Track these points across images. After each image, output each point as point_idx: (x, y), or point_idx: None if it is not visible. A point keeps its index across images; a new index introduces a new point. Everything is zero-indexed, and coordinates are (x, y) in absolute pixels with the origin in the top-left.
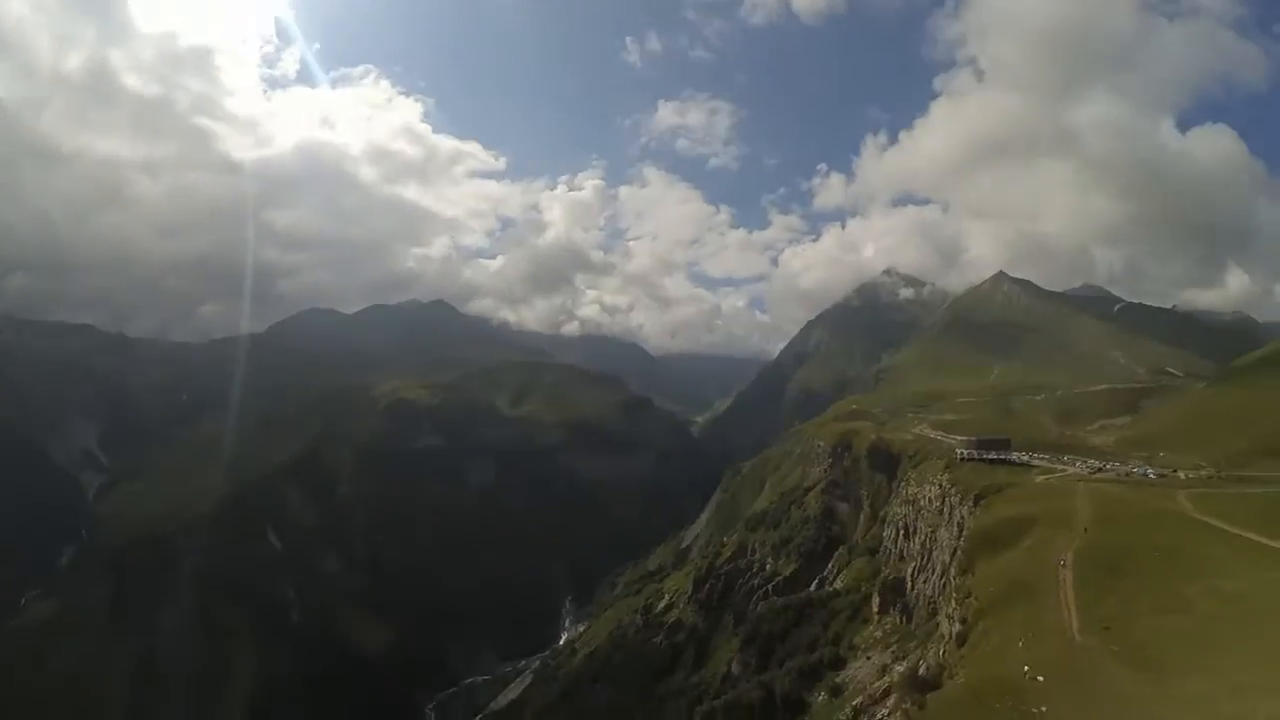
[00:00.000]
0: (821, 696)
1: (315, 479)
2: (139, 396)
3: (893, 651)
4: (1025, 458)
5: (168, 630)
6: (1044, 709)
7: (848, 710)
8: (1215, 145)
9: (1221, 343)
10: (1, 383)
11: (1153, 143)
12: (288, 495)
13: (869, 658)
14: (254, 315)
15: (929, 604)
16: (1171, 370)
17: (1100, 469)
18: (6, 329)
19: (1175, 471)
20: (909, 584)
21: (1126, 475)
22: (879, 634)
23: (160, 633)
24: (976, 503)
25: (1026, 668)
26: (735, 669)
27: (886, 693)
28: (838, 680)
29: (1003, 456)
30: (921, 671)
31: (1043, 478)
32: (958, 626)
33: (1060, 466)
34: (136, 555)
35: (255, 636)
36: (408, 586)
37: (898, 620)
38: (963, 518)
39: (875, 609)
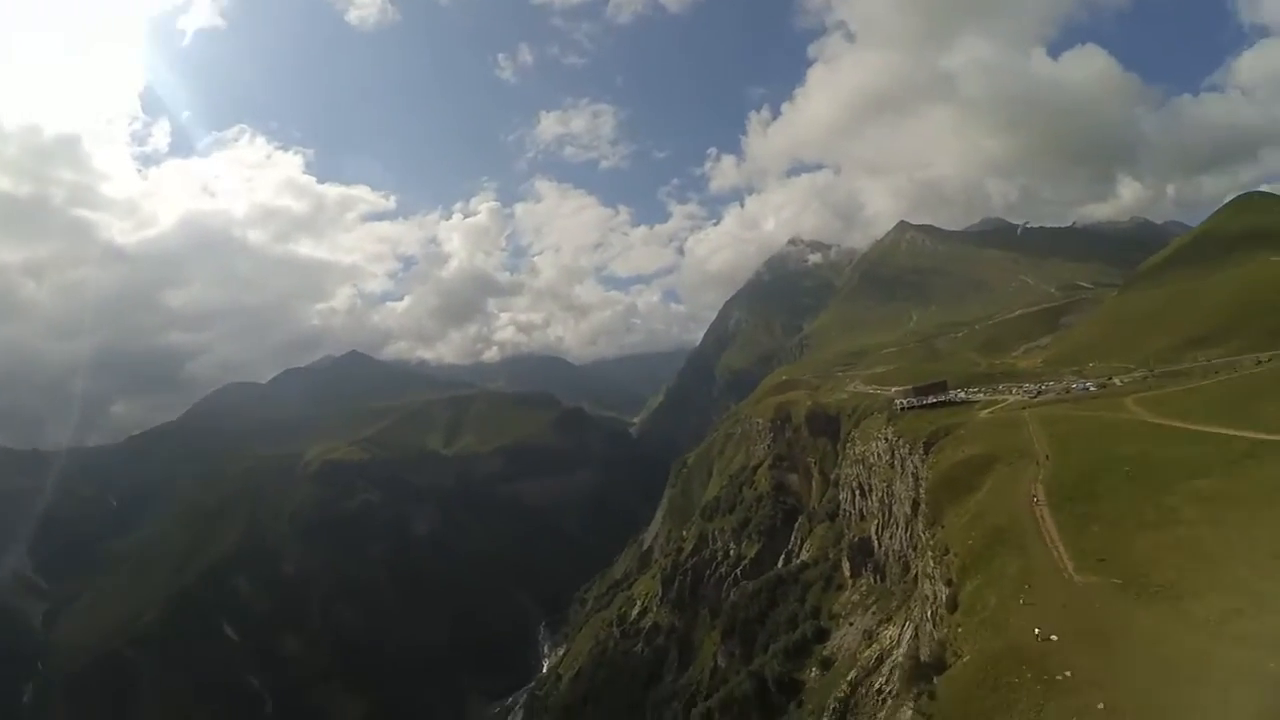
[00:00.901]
0: (813, 673)
1: (259, 561)
2: (65, 512)
3: (873, 613)
4: (964, 395)
5: None
6: (1068, 674)
7: (843, 686)
8: (1088, 66)
9: (1124, 250)
10: None
11: (1027, 74)
12: (235, 584)
13: (851, 623)
14: (168, 403)
15: (900, 559)
16: (1082, 284)
17: (1039, 392)
18: None
19: (1111, 379)
20: (875, 543)
21: (1067, 393)
22: (855, 598)
23: None
24: (927, 450)
25: (1037, 630)
26: (721, 662)
27: (879, 660)
28: (825, 653)
29: (942, 399)
30: (924, 656)
31: (986, 412)
32: (944, 589)
33: (1000, 397)
34: (96, 679)
35: None
36: (374, 651)
37: (872, 580)
38: (916, 467)
39: (847, 574)
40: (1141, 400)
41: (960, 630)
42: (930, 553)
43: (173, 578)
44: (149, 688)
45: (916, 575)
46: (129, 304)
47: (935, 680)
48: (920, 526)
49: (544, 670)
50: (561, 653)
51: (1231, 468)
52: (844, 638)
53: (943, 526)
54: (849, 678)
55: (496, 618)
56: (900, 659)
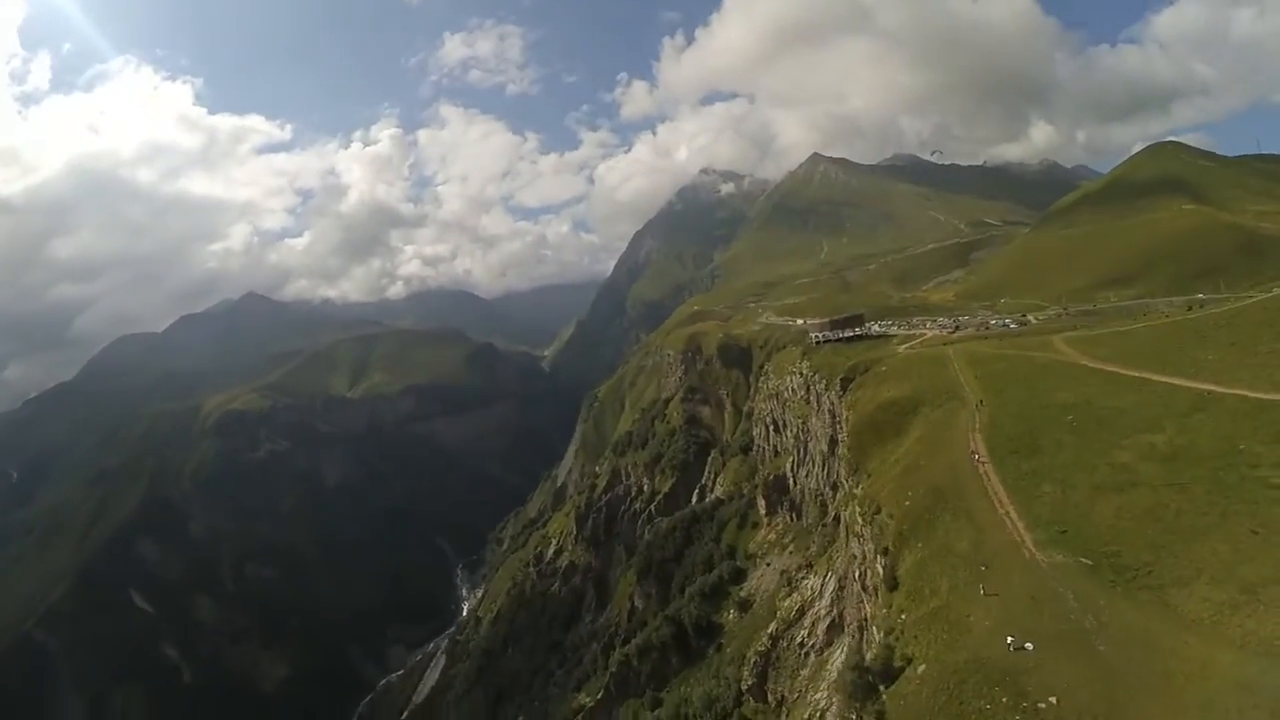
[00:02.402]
0: (731, 615)
1: (165, 524)
2: None
3: (790, 552)
4: (879, 329)
5: None
6: (1053, 700)
7: (764, 639)
8: (1008, 6)
9: (1033, 191)
10: None
11: (946, 10)
12: (142, 550)
13: (768, 564)
14: (63, 361)
15: (816, 498)
16: (990, 221)
17: (956, 327)
18: None
19: (1025, 316)
20: (791, 480)
21: (986, 328)
22: (772, 537)
23: None
24: (844, 387)
25: (1009, 639)
26: (638, 603)
27: (800, 613)
28: (743, 595)
29: (858, 333)
30: (866, 659)
31: (904, 347)
32: (878, 559)
33: (917, 331)
34: (7, 667)
35: (153, 713)
36: (293, 610)
37: (788, 519)
38: (833, 404)
39: (763, 512)
40: (1071, 341)
41: (906, 621)
42: (858, 507)
43: (77, 550)
44: (64, 669)
45: (838, 518)
46: (14, 259)
47: (883, 693)
48: (842, 472)
49: (464, 614)
50: (480, 594)
51: (1183, 421)
52: (761, 579)
53: (869, 475)
54: (769, 630)
55: (414, 564)
56: (822, 613)
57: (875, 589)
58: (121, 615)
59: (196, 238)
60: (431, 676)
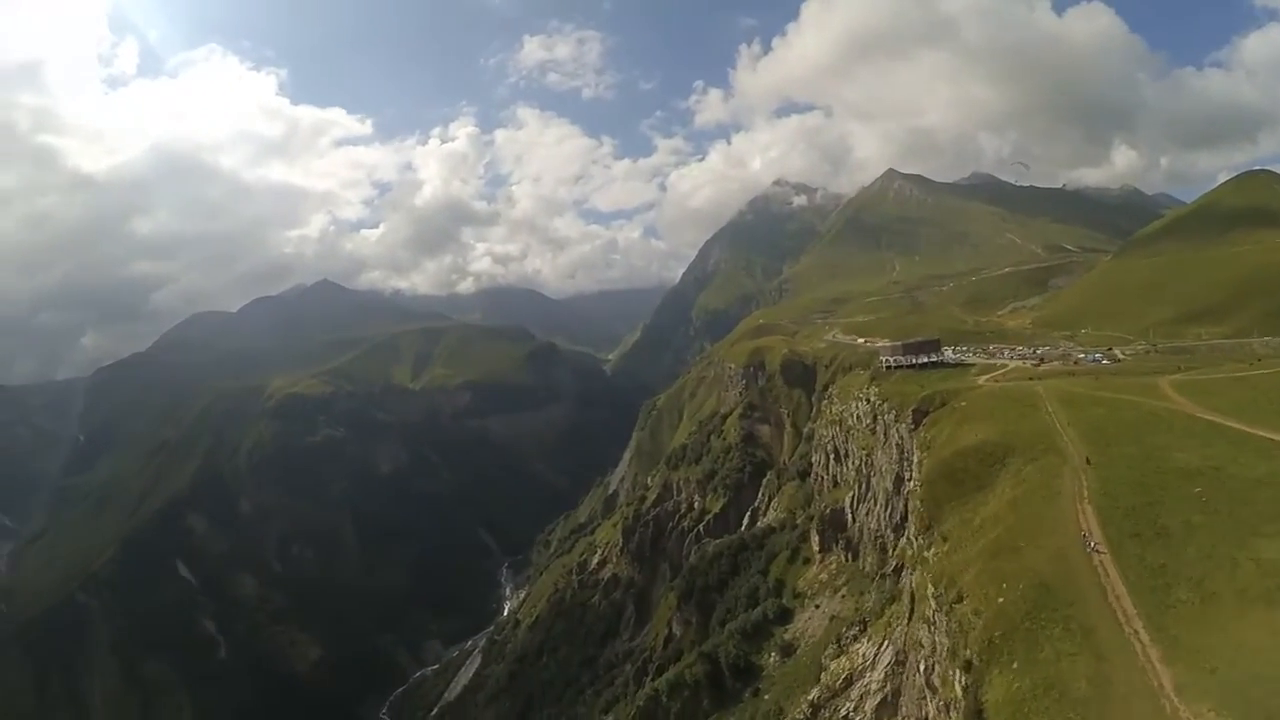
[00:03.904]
0: (772, 658)
1: (216, 499)
2: (30, 448)
3: (843, 596)
4: (956, 356)
5: (96, 704)
6: None
7: (804, 706)
8: (1093, 24)
9: (1113, 217)
10: None
11: (1029, 25)
12: (190, 523)
13: (817, 605)
14: (137, 334)
15: (876, 540)
16: (1067, 246)
17: (1041, 359)
18: None
19: (1113, 350)
20: (849, 516)
21: (1075, 363)
22: (824, 576)
23: (89, 708)
24: (917, 421)
25: None
26: (676, 630)
27: (848, 682)
28: (787, 637)
29: (933, 359)
30: None
31: (985, 378)
32: (957, 674)
33: (997, 361)
34: (49, 626)
35: (186, 683)
36: (333, 592)
37: (842, 558)
38: (902, 438)
39: (816, 547)
40: (1181, 387)
41: None
42: (930, 581)
43: (128, 518)
44: (102, 633)
45: (899, 571)
46: (96, 234)
47: None
48: (912, 528)
49: (505, 614)
50: (523, 596)
51: None
52: (809, 622)
53: (944, 539)
54: (810, 696)
55: (459, 559)
56: (873, 687)
57: (946, 702)
58: (165, 586)
59: (274, 223)
60: (466, 674)
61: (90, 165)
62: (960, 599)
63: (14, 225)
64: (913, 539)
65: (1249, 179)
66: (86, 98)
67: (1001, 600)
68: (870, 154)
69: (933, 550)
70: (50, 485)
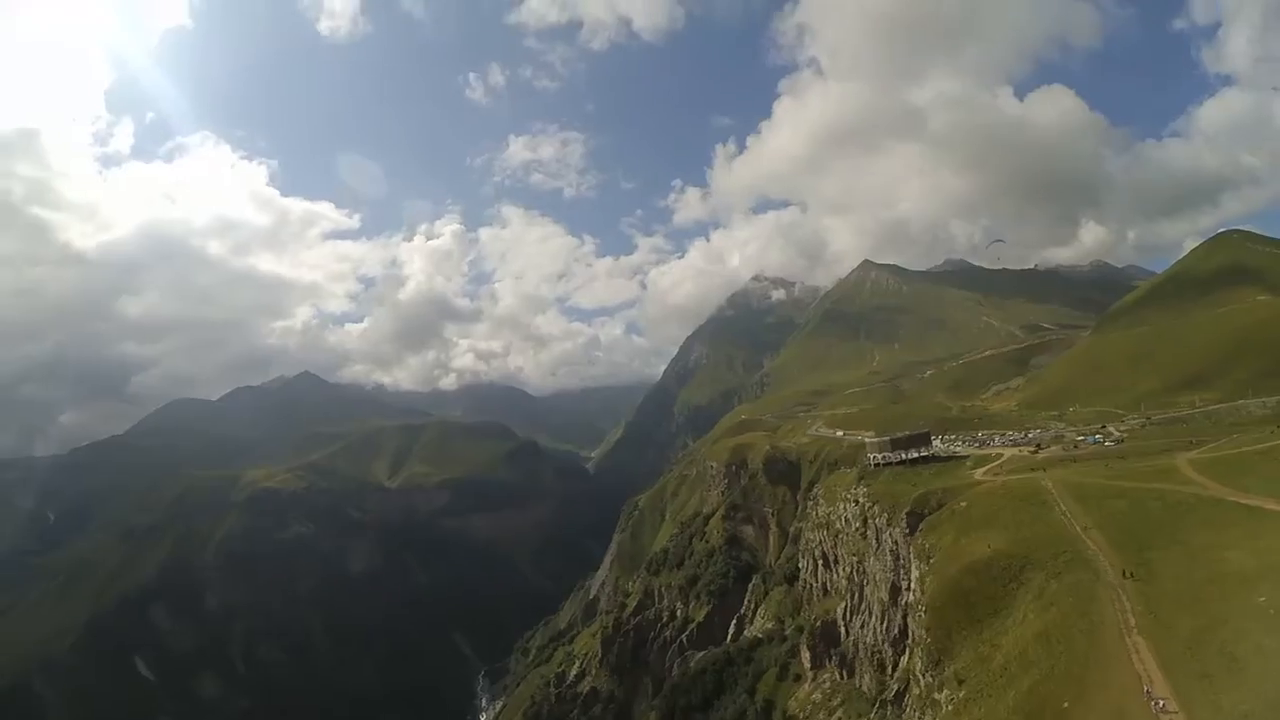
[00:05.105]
0: None
1: (182, 592)
2: (3, 523)
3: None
4: (946, 448)
5: None
6: None
7: None
8: (1055, 106)
9: (1085, 292)
10: None
11: (994, 110)
12: (153, 616)
13: None
14: (117, 414)
15: (873, 656)
16: (1044, 325)
17: (1037, 445)
18: None
19: (1107, 427)
20: (842, 629)
21: (1076, 447)
22: (817, 696)
23: None
24: (912, 525)
25: None
26: None
27: None
28: None
29: (925, 454)
30: None
31: (982, 472)
32: None
33: (992, 451)
34: (3, 714)
35: None
36: (299, 698)
37: (836, 675)
38: (896, 543)
39: (807, 663)
40: (1200, 466)
41: None
42: None
43: (90, 603)
44: None
45: (901, 697)
46: (84, 311)
47: None
48: (920, 661)
49: None
50: (499, 707)
51: None
52: None
53: (960, 681)
54: None
55: (433, 664)
56: None
57: None
58: (120, 680)
59: (260, 312)
60: None
61: (81, 242)
62: None
63: (3, 294)
64: (919, 675)
65: (1222, 240)
66: (81, 174)
67: None
68: (846, 246)
69: (945, 693)
70: (18, 562)
